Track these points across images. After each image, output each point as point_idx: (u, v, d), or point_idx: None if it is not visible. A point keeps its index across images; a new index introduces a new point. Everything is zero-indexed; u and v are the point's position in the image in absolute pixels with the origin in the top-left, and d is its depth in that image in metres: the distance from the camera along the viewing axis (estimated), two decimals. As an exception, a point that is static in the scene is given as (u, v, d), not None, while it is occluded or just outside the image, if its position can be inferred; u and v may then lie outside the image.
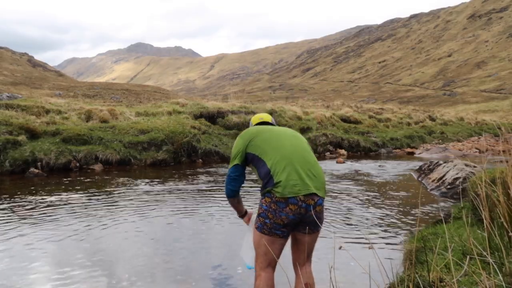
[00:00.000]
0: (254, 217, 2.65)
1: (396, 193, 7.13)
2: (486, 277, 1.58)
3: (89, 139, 10.39)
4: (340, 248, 4.00)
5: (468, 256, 2.08)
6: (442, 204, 6.24)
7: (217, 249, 4.05)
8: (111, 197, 6.45)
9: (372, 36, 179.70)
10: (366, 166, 11.21)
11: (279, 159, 2.33)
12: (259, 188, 2.45)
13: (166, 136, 11.32)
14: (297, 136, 2.57)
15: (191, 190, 7.23)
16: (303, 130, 15.59)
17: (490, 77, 74.13)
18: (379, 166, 11.10)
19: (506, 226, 2.16)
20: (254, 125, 2.78)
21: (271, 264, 2.36)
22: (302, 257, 2.41)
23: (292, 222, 2.28)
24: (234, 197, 2.59)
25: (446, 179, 7.38)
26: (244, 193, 6.71)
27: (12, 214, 5.27)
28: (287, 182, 2.25)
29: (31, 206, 5.70)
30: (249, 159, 2.46)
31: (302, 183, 2.27)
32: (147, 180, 8.19)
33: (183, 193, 6.93)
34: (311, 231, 2.36)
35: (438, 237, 3.44)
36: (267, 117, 2.86)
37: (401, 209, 5.86)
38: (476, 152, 15.26)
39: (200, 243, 4.20)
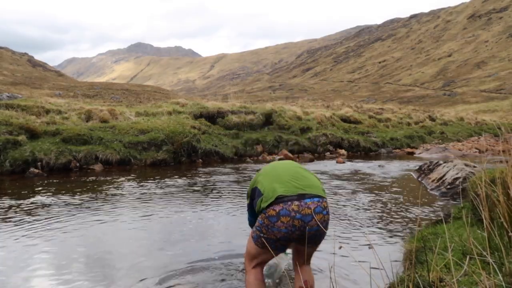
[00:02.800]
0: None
1: (396, 193, 7.13)
2: (486, 277, 1.58)
3: (89, 139, 10.39)
4: (340, 248, 4.00)
5: (468, 256, 2.08)
6: (442, 204, 6.25)
7: (215, 249, 4.05)
8: (111, 197, 6.45)
9: (372, 36, 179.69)
10: (366, 166, 11.21)
11: (266, 177, 2.44)
12: None
13: (166, 136, 11.32)
14: (292, 162, 2.67)
15: (191, 190, 7.24)
16: (303, 130, 15.59)
17: (490, 77, 74.14)
18: (379, 166, 11.10)
19: (506, 226, 2.16)
20: None
21: (261, 265, 2.48)
22: (302, 260, 2.45)
23: (286, 237, 2.21)
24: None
25: (446, 179, 7.38)
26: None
27: (12, 214, 5.27)
28: (272, 186, 2.30)
29: (31, 206, 5.70)
30: (254, 195, 2.55)
31: (289, 184, 2.28)
32: (147, 180, 8.19)
33: (183, 193, 6.93)
34: (314, 243, 2.36)
35: (438, 237, 3.44)
36: None
37: (401, 209, 5.86)
38: (476, 152, 15.25)
39: (199, 244, 4.20)
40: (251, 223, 2.80)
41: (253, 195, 2.50)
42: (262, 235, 2.29)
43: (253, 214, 2.71)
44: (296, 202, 2.17)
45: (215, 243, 4.20)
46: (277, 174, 2.41)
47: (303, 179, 2.33)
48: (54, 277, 3.28)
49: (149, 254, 3.87)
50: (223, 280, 3.26)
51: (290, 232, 2.17)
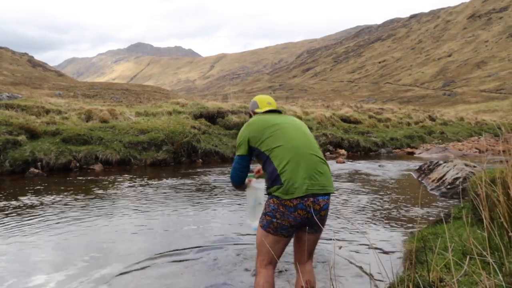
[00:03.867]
0: (254, 182, 2.73)
1: (396, 193, 7.13)
2: (486, 277, 1.58)
3: (89, 139, 10.39)
4: (340, 248, 4.00)
5: (468, 256, 2.08)
6: (442, 204, 6.25)
7: (216, 247, 4.05)
8: (111, 197, 6.45)
9: (372, 36, 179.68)
10: (366, 166, 11.21)
11: (286, 158, 2.30)
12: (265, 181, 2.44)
13: (166, 136, 11.32)
14: (305, 131, 2.50)
15: (191, 190, 7.24)
16: (303, 130, 15.58)
17: (490, 77, 74.14)
18: (379, 166, 11.10)
19: (506, 226, 2.16)
20: (262, 113, 2.64)
21: (272, 262, 2.38)
22: (304, 256, 2.43)
23: (298, 225, 2.31)
24: (240, 185, 2.61)
25: (446, 179, 7.38)
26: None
27: (12, 214, 5.27)
28: (294, 181, 2.24)
29: (31, 206, 5.70)
30: (255, 153, 2.43)
31: (310, 182, 2.26)
32: (147, 180, 8.19)
33: (182, 193, 6.93)
34: (315, 231, 2.39)
35: (438, 237, 3.44)
36: (274, 103, 2.73)
37: (401, 209, 5.86)
38: (476, 152, 15.26)
39: (199, 243, 4.20)
40: (239, 180, 2.54)
41: (257, 155, 2.40)
42: (275, 220, 2.28)
43: (245, 170, 2.51)
44: (311, 199, 2.26)
45: (212, 238, 4.20)
46: (299, 157, 2.29)
47: (322, 176, 2.33)
48: (54, 277, 3.28)
49: (148, 257, 3.87)
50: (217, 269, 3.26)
51: (303, 222, 2.29)
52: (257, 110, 2.70)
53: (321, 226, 2.34)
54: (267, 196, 2.42)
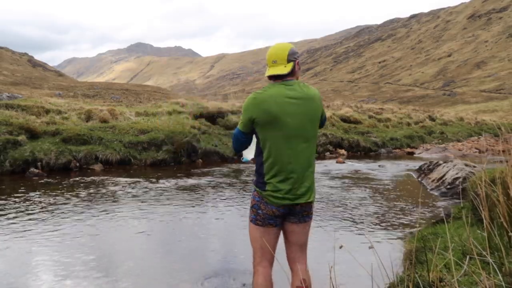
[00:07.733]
0: None
1: (396, 193, 7.13)
2: (486, 277, 1.59)
3: (89, 139, 10.39)
4: (340, 247, 4.00)
5: (468, 256, 2.08)
6: (442, 204, 6.25)
7: (215, 249, 4.06)
8: (111, 197, 6.45)
9: (372, 36, 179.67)
10: (366, 166, 11.21)
11: (276, 164, 2.21)
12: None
13: (166, 136, 11.32)
14: (308, 135, 2.29)
15: (191, 190, 7.24)
16: (303, 130, 15.58)
17: (490, 77, 74.15)
18: (379, 166, 11.10)
19: (506, 226, 2.16)
20: (268, 80, 2.33)
21: (268, 259, 2.31)
22: (295, 250, 2.37)
23: (283, 214, 2.28)
24: (244, 149, 2.47)
25: (446, 179, 7.39)
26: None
27: (12, 214, 5.28)
28: (276, 194, 2.21)
29: (31, 206, 5.70)
30: (254, 131, 2.30)
31: (292, 197, 2.22)
32: (147, 180, 8.19)
33: (182, 193, 6.94)
34: (303, 221, 2.33)
35: (438, 237, 3.44)
36: (282, 55, 2.23)
37: (401, 209, 5.87)
38: (476, 152, 15.26)
39: (199, 243, 4.21)
40: (242, 147, 2.41)
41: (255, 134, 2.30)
42: (260, 211, 2.27)
43: (248, 140, 2.37)
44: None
45: (214, 247, 4.21)
46: (290, 171, 2.21)
47: (305, 190, 2.27)
48: (55, 277, 3.28)
49: (148, 257, 3.87)
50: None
51: (286, 211, 2.28)
52: (266, 74, 2.33)
53: (306, 215, 2.30)
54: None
